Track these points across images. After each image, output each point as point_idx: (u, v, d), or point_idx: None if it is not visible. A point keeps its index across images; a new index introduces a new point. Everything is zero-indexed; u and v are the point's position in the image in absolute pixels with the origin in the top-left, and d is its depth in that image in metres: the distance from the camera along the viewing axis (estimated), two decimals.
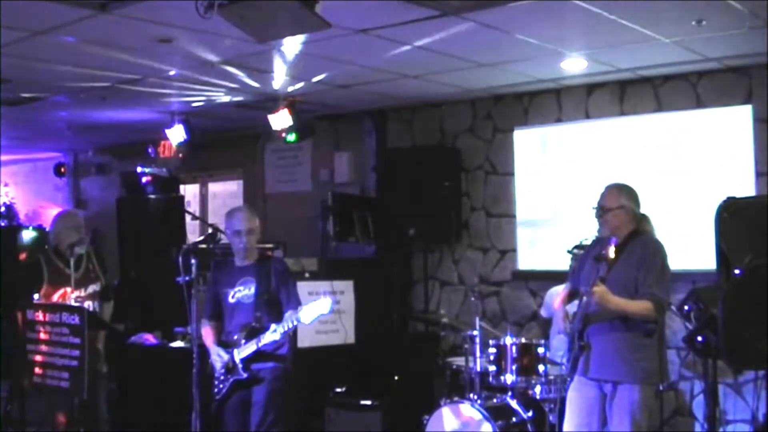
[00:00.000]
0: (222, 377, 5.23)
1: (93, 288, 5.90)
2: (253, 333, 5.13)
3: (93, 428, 5.68)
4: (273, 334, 5.02)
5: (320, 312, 4.96)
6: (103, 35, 5.41)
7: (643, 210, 4.79)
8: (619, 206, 4.66)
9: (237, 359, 5.14)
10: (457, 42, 5.68)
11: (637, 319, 4.51)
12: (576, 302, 4.73)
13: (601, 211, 4.70)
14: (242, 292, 5.27)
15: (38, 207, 11.67)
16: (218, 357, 5.21)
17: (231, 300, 5.30)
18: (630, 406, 4.50)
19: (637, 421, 4.49)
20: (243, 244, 5.26)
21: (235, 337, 5.21)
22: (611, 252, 4.36)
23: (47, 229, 6.57)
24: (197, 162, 9.53)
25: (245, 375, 5.14)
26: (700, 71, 6.58)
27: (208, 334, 5.39)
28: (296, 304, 5.22)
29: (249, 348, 5.12)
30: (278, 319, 5.14)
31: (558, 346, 6.09)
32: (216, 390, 5.26)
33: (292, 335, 5.36)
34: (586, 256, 4.88)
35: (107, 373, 6.03)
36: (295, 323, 5.01)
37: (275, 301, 5.25)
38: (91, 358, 5.54)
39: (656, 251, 4.63)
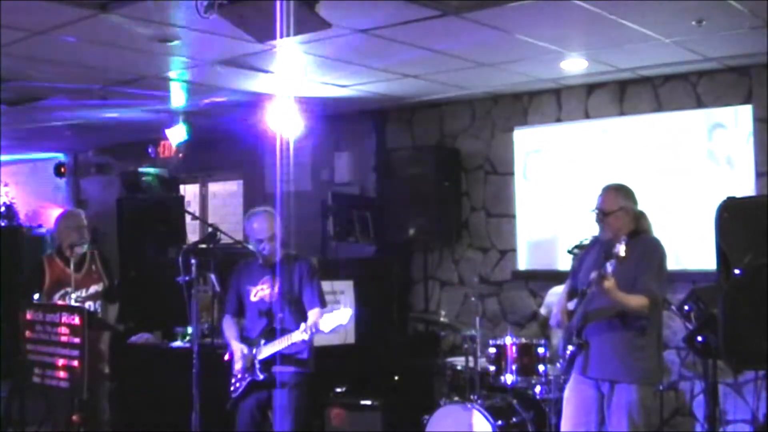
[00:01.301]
0: (239, 375, 5.20)
1: (95, 289, 5.90)
2: (273, 334, 5.10)
3: (93, 428, 5.68)
4: (302, 334, 4.97)
5: (339, 323, 4.94)
6: (103, 35, 5.42)
7: (640, 207, 4.80)
8: (619, 208, 4.66)
9: (256, 360, 5.12)
10: (457, 42, 5.68)
11: (633, 316, 4.51)
12: (575, 301, 4.72)
13: (602, 214, 4.69)
14: (264, 291, 5.25)
15: (38, 207, 11.68)
16: (239, 351, 5.18)
17: (253, 298, 5.28)
18: (627, 406, 4.50)
19: (634, 421, 4.49)
20: (266, 251, 5.24)
21: (255, 336, 5.20)
22: (622, 251, 4.32)
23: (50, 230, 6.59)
24: (197, 162, 9.53)
25: (262, 377, 5.11)
26: (700, 71, 6.58)
27: (230, 329, 5.35)
28: (322, 303, 5.22)
29: (269, 350, 5.09)
30: (299, 320, 5.11)
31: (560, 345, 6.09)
32: (232, 388, 5.23)
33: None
34: (585, 255, 4.88)
35: (108, 374, 6.03)
36: (314, 331, 4.98)
37: (296, 302, 5.22)
38: (94, 359, 5.55)
39: (655, 250, 4.64)
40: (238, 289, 5.39)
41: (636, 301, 4.47)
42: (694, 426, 6.55)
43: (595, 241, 4.86)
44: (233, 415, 5.27)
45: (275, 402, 5.15)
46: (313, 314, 5.14)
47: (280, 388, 5.13)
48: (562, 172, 7.31)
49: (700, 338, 4.95)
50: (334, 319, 4.94)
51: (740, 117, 6.45)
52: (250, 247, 5.36)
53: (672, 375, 6.57)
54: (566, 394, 4.80)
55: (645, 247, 4.62)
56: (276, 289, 5.20)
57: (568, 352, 4.67)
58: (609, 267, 4.39)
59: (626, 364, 4.52)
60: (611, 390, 4.56)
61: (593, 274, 4.46)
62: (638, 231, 4.69)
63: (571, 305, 4.73)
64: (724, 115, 6.53)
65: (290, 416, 5.12)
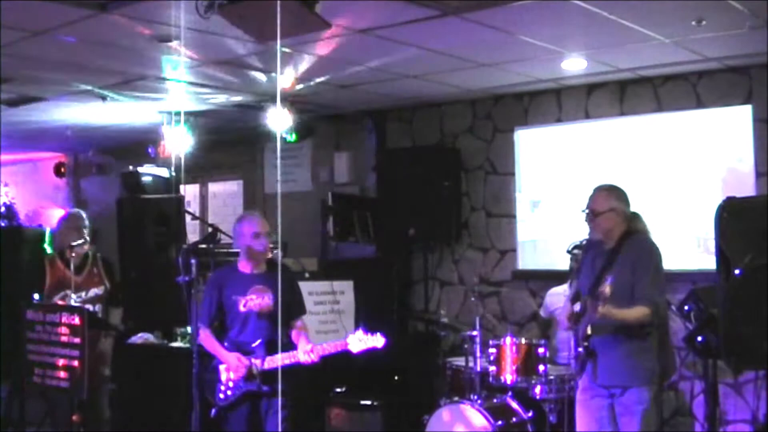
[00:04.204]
0: (233, 384, 5.09)
1: (95, 291, 5.89)
2: (275, 347, 4.99)
3: (93, 428, 5.68)
4: (309, 356, 4.96)
5: (373, 345, 4.93)
6: (103, 35, 5.41)
7: (636, 209, 4.79)
8: (610, 209, 4.65)
9: (256, 371, 5.03)
10: (457, 42, 5.68)
11: (638, 326, 4.53)
12: (580, 304, 4.71)
13: (592, 214, 4.69)
14: (255, 301, 5.12)
15: (38, 207, 11.67)
16: (234, 360, 5.04)
17: (242, 308, 5.13)
18: (639, 406, 4.54)
19: (646, 420, 4.53)
20: (263, 246, 5.14)
21: (254, 347, 5.09)
22: (607, 290, 4.32)
23: (50, 231, 6.58)
24: (197, 162, 9.52)
25: (265, 388, 5.02)
26: (700, 71, 6.58)
27: (209, 339, 5.18)
28: (302, 311, 5.28)
29: (273, 362, 4.99)
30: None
31: (561, 347, 6.08)
32: (223, 396, 5.12)
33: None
34: (584, 257, 4.88)
35: (109, 376, 6.03)
36: (340, 350, 4.97)
37: (291, 311, 5.21)
38: (96, 361, 5.55)
39: (650, 253, 4.64)
40: (220, 299, 5.19)
41: (637, 313, 4.49)
42: (694, 426, 6.55)
43: (588, 244, 4.85)
44: (222, 421, 5.16)
45: (269, 406, 5.08)
46: (302, 325, 5.18)
47: (276, 397, 5.02)
48: (562, 172, 7.31)
49: (700, 338, 4.94)
50: (365, 341, 4.92)
51: (740, 117, 6.45)
52: (237, 249, 5.23)
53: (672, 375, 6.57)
54: (578, 395, 4.83)
55: (640, 250, 4.62)
56: (267, 299, 5.11)
57: (580, 349, 4.67)
58: (599, 304, 4.36)
59: (636, 368, 4.56)
60: (622, 393, 4.60)
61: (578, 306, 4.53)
62: (631, 232, 4.68)
63: (577, 307, 4.73)
64: (724, 115, 6.53)
65: (286, 413, 5.04)
